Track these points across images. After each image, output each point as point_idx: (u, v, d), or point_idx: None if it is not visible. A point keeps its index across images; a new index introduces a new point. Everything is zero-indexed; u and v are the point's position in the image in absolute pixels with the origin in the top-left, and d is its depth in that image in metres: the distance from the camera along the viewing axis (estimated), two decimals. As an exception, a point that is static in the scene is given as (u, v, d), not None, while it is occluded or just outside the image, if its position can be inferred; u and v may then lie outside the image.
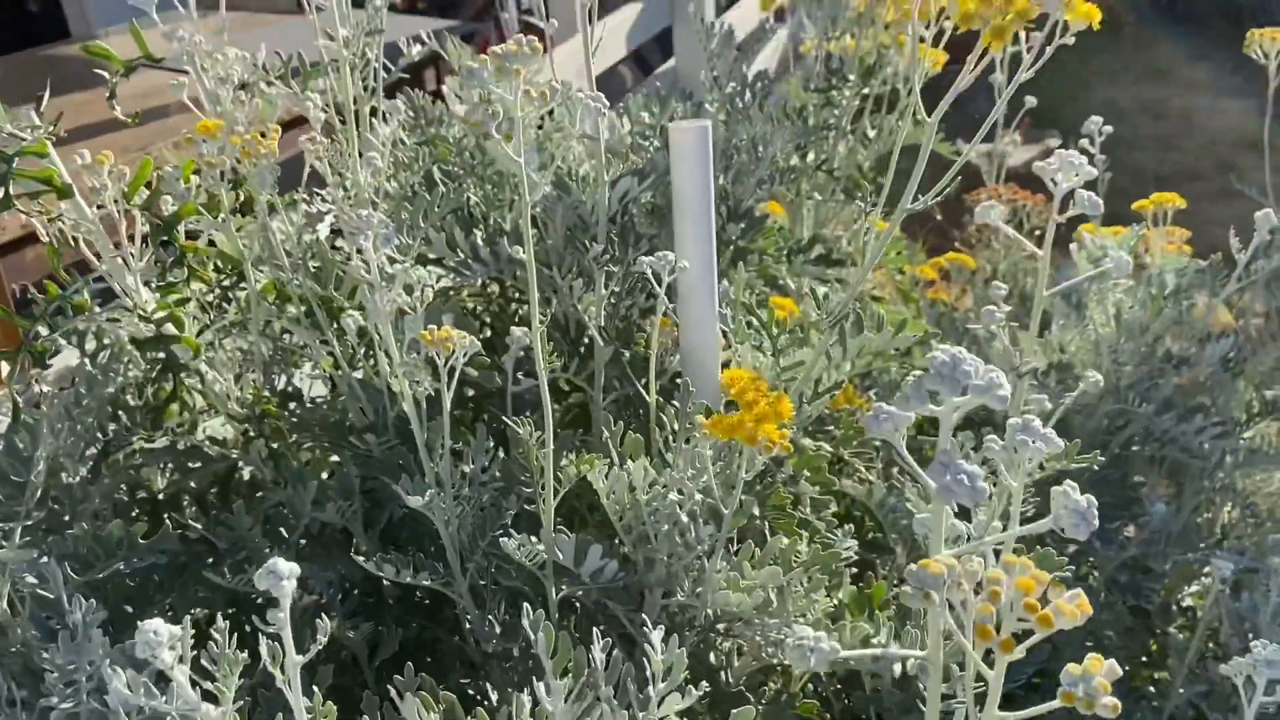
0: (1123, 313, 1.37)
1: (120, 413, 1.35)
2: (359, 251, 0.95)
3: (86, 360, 1.34)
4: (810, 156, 1.86)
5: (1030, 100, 2.20)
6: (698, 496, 1.06)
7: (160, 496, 1.50)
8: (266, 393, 1.21)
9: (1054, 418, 1.18)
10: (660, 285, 1.18)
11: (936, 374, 0.55)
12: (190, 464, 1.37)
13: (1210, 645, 1.43)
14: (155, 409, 1.14)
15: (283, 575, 0.58)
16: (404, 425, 1.28)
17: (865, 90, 1.88)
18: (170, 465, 1.43)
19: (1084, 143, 1.88)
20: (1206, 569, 1.85)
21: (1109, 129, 1.88)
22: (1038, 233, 1.97)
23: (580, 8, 1.43)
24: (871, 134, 1.94)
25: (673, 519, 1.06)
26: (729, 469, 1.08)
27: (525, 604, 0.88)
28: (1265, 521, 1.89)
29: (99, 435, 1.30)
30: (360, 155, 1.17)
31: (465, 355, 1.00)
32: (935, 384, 0.55)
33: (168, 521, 1.06)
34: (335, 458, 1.45)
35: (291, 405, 1.26)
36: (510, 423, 1.04)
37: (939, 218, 3.19)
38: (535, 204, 1.49)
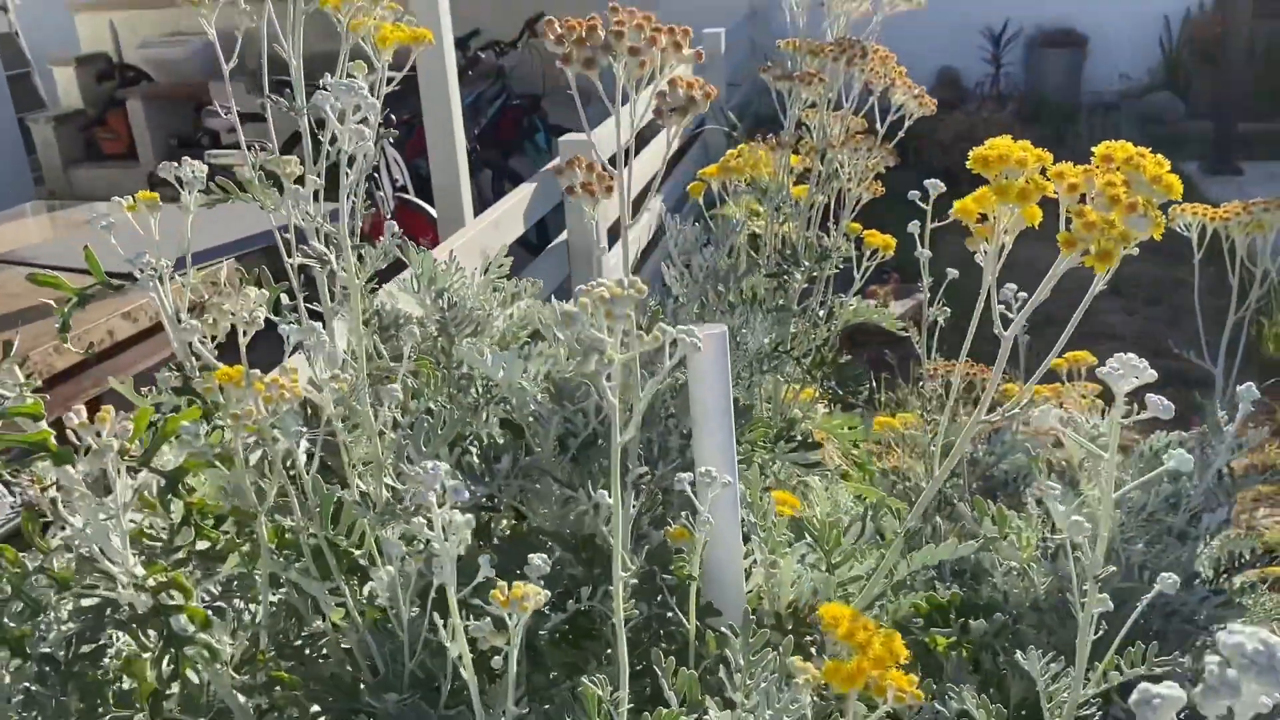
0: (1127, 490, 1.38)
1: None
2: (421, 508, 0.86)
3: None
4: (766, 340, 1.86)
5: (953, 272, 2.28)
6: (783, 742, 0.98)
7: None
8: (270, 653, 1.08)
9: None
10: (704, 504, 1.11)
11: (1249, 663, 0.50)
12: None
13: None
14: (156, 694, 0.99)
15: None
16: (420, 679, 1.16)
17: (815, 273, 1.91)
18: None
19: (1001, 308, 1.95)
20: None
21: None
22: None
23: (466, 205, 1.42)
24: (822, 314, 1.96)
25: (758, 771, 0.97)
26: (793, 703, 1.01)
27: None
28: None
29: None
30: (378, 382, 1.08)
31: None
32: (1244, 673, 0.51)
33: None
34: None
35: (293, 661, 1.12)
36: (591, 684, 0.95)
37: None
38: (530, 414, 1.42)
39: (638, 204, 4.78)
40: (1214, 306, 5.80)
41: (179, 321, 1.32)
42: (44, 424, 0.94)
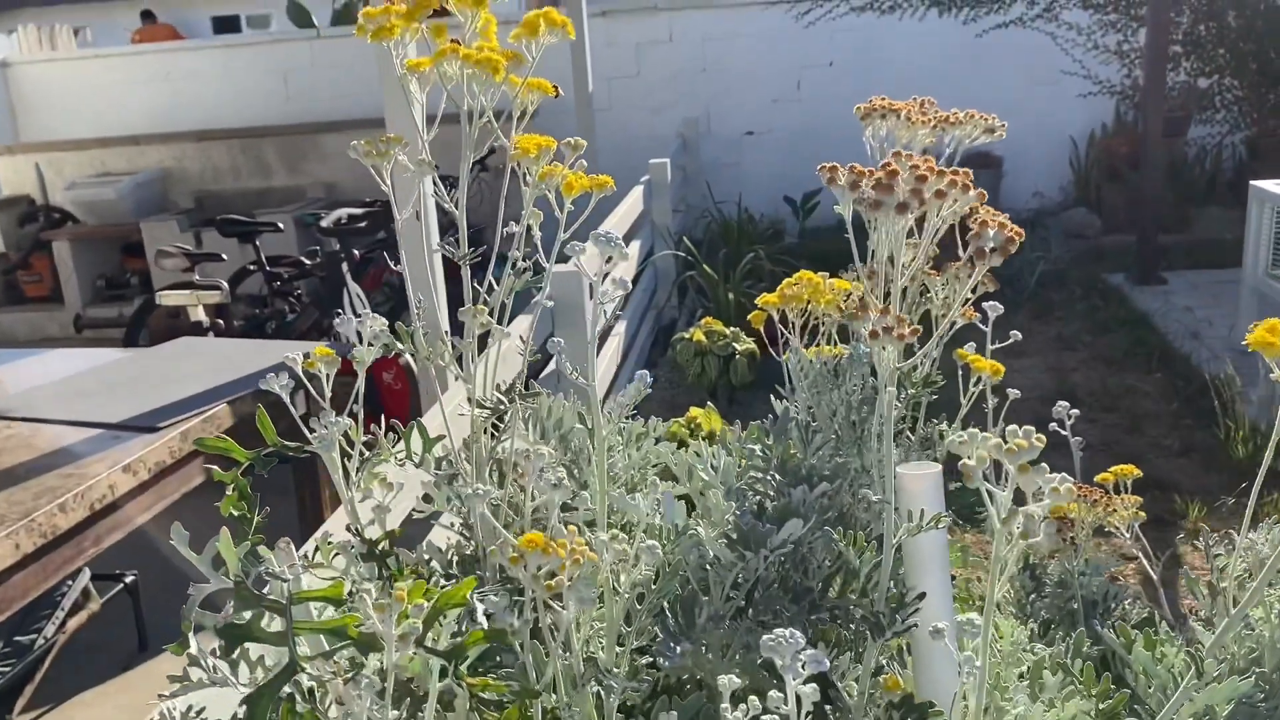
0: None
1: None
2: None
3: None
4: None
5: (1015, 393, 2.33)
6: None
7: None
8: None
9: None
10: (968, 650, 1.08)
11: None
12: None
13: None
14: None
15: None
16: None
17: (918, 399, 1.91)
18: None
19: (1054, 425, 2.00)
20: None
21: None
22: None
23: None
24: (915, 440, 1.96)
25: None
26: None
27: None
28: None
29: None
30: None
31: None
32: None
33: None
34: None
35: None
36: None
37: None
38: (706, 562, 1.37)
39: (606, 332, 4.78)
40: (1167, 412, 5.95)
41: (347, 480, 1.25)
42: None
